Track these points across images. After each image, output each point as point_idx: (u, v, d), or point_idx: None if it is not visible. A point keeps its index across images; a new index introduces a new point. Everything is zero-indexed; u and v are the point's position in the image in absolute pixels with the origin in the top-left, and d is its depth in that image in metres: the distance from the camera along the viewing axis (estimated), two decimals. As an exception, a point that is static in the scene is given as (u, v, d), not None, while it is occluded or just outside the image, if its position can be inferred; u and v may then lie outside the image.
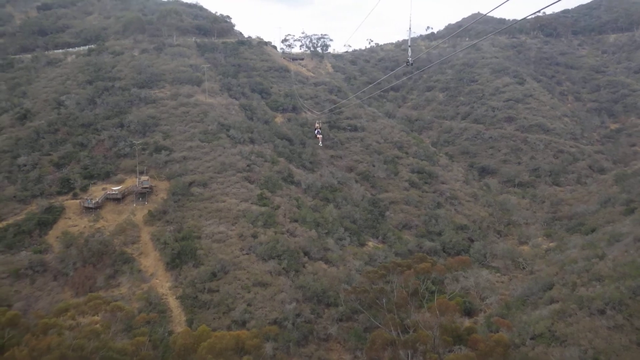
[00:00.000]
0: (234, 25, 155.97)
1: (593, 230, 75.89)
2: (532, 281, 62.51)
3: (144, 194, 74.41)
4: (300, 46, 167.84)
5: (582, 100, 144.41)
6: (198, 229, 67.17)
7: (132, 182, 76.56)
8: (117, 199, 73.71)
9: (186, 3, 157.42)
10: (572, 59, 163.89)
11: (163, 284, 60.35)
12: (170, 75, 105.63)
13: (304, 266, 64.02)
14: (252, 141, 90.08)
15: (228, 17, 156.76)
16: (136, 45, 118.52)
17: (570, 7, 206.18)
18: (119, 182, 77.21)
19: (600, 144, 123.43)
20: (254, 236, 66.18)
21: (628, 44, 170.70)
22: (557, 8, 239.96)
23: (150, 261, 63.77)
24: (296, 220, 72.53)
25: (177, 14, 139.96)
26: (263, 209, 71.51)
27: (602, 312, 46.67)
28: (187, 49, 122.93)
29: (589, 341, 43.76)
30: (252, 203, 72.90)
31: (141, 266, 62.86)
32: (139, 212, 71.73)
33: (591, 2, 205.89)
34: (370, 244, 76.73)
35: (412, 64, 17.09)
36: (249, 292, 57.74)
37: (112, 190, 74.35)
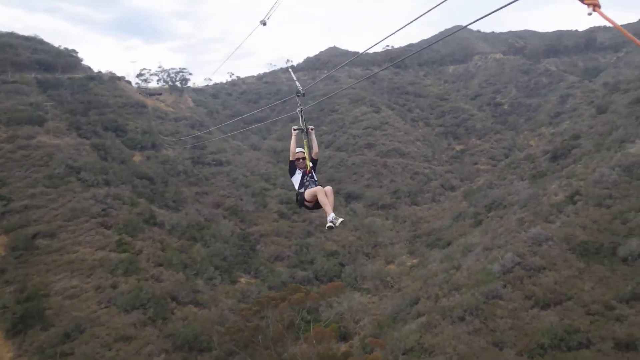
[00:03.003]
0: (81, 60, 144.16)
1: (449, 244, 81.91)
2: (400, 298, 65.21)
3: (-24, 252, 64.39)
4: (158, 80, 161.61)
5: (431, 125, 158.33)
6: (46, 286, 59.22)
7: (-39, 240, 66.00)
8: (-59, 262, 62.81)
9: (23, 36, 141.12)
10: (419, 88, 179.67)
11: (3, 355, 51.92)
12: (6, 116, 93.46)
13: (172, 312, 59.62)
14: (107, 183, 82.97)
15: (74, 51, 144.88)
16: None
17: (414, 42, 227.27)
18: (-57, 241, 66.00)
19: (449, 164, 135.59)
20: (114, 286, 60.14)
21: (464, 74, 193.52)
22: (402, 42, 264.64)
23: (-14, 330, 54.78)
24: (161, 264, 67.74)
25: (12, 48, 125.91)
26: (123, 255, 65.65)
27: (462, 319, 49.85)
28: (26, 86, 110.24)
29: (453, 348, 46.26)
30: (110, 250, 66.55)
31: (-26, 338, 53.67)
32: (-30, 273, 61.70)
33: (430, 37, 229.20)
34: (242, 280, 74.49)
35: (303, 95, 15.80)
36: (110, 349, 51.94)
37: None
